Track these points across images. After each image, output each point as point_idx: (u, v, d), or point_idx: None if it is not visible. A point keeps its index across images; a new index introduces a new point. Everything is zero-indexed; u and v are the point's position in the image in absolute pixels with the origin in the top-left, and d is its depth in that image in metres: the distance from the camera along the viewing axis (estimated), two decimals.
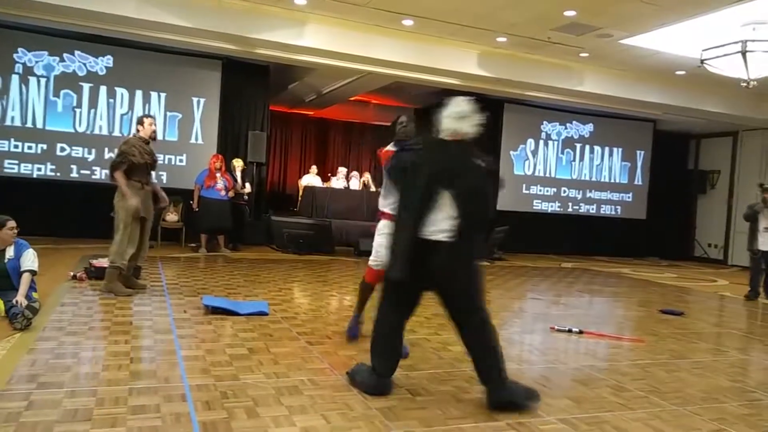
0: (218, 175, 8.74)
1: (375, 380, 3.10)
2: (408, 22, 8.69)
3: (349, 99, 12.96)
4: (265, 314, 4.80)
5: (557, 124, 13.02)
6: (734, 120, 12.27)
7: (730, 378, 3.96)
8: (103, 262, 5.87)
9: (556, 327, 5.06)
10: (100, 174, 9.36)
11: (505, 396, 2.97)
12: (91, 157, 9.46)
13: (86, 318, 4.35)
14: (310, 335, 4.27)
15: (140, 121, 5.49)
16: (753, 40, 7.48)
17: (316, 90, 12.70)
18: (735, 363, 4.49)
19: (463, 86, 10.48)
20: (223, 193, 8.73)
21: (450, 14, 8.24)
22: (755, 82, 7.79)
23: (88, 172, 9.45)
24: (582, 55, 9.76)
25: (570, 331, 4.96)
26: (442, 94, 12.15)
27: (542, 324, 5.33)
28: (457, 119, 3.07)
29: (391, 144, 3.96)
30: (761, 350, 4.95)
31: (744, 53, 7.49)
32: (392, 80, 10.48)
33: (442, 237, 2.95)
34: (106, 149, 9.39)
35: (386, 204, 3.83)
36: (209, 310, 4.74)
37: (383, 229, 3.82)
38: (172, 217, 9.33)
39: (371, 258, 4.03)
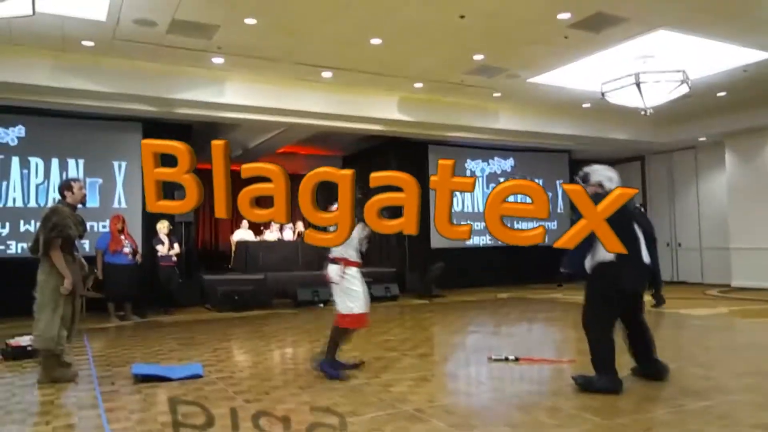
0: (122, 237, 8.29)
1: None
2: (327, 74, 8.92)
3: (277, 151, 13.00)
4: (200, 376, 4.64)
5: (480, 161, 13.54)
6: (639, 146, 13.21)
7: (658, 386, 4.15)
8: (20, 341, 5.53)
9: (493, 356, 5.16)
10: (16, 248, 8.88)
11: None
12: (5, 231, 8.97)
13: (2, 402, 4.06)
14: (246, 393, 4.15)
15: (68, 186, 4.76)
16: (644, 72, 8.17)
17: (243, 145, 12.66)
18: None
19: (387, 131, 10.80)
20: (131, 257, 8.30)
21: (365, 64, 8.52)
22: (651, 110, 8.46)
23: (2, 247, 8.95)
24: (495, 95, 10.30)
25: (507, 359, 5.07)
26: (368, 140, 12.50)
27: (481, 355, 5.41)
28: None
29: None
30: (683, 357, 5.22)
31: (638, 84, 8.15)
32: (316, 131, 10.64)
33: None
34: (22, 221, 8.95)
35: (345, 252, 4.36)
36: (140, 379, 4.54)
37: (356, 275, 4.44)
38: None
39: (348, 305, 4.39)
